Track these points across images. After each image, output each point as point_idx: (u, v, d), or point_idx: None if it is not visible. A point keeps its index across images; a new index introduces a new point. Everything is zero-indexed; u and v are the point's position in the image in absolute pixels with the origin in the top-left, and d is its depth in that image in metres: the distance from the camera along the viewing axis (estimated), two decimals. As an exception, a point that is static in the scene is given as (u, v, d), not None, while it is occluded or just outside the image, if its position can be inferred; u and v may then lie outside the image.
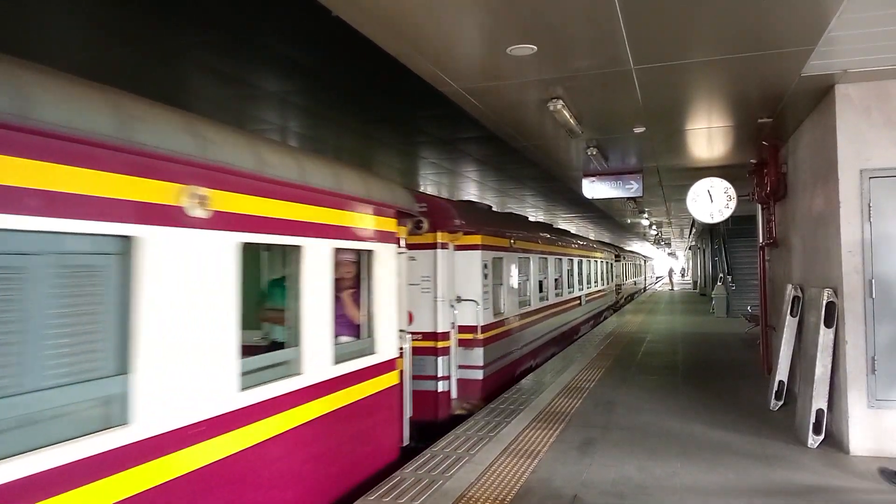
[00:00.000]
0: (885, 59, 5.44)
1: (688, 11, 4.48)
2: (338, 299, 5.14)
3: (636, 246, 49.87)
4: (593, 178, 10.95)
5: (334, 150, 11.84)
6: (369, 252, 5.48)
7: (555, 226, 19.67)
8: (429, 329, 8.22)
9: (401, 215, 6.16)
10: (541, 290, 13.20)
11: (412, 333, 7.49)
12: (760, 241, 10.27)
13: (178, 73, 7.40)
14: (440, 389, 8.20)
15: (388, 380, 5.77)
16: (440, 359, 8.22)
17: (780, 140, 8.55)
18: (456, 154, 12.53)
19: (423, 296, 8.23)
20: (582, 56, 5.41)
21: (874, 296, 5.77)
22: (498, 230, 10.13)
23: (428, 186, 15.73)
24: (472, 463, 5.68)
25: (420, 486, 5.09)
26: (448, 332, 8.33)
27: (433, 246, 8.23)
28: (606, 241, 32.47)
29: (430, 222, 7.74)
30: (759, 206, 10.15)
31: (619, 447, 6.14)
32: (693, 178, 10.49)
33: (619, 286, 29.22)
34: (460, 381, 8.57)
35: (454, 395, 8.45)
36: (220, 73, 7.41)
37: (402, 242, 6.47)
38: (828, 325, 6.03)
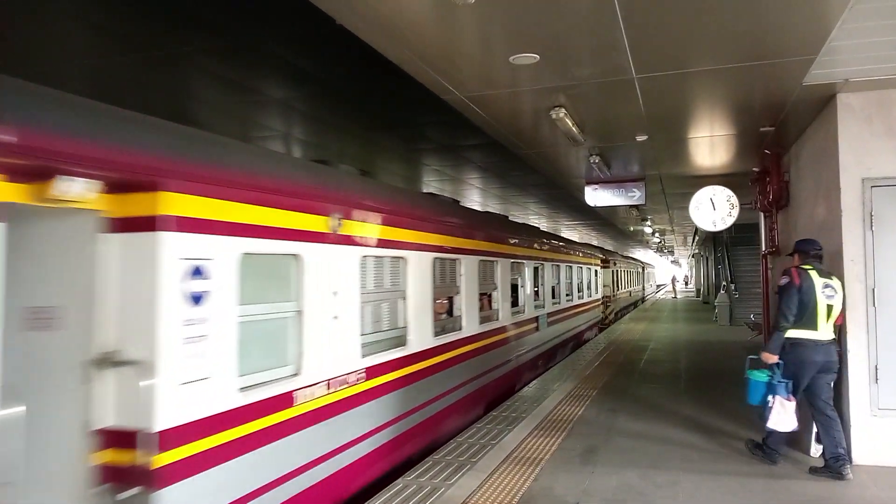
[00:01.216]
0: (887, 69, 5.46)
1: (689, 21, 4.51)
2: None
3: (639, 253, 49.84)
4: (596, 186, 10.97)
5: (337, 157, 11.88)
6: None
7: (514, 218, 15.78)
8: None
9: None
10: (449, 314, 8.27)
11: None
12: (763, 249, 10.26)
13: (183, 79, 7.44)
14: None
15: None
16: None
17: (783, 148, 8.56)
18: (459, 161, 12.57)
19: None
20: (584, 65, 5.44)
21: (876, 305, 5.77)
22: (270, 185, 4.58)
23: (431, 193, 15.72)
24: (474, 470, 5.68)
25: (422, 494, 5.09)
26: None
27: None
28: (609, 248, 32.04)
29: None
30: (762, 214, 10.15)
31: (621, 455, 6.14)
32: (696, 186, 10.51)
33: (607, 298, 23.77)
34: None
35: None
36: (224, 79, 7.45)
37: None
38: (830, 333, 6.01)
